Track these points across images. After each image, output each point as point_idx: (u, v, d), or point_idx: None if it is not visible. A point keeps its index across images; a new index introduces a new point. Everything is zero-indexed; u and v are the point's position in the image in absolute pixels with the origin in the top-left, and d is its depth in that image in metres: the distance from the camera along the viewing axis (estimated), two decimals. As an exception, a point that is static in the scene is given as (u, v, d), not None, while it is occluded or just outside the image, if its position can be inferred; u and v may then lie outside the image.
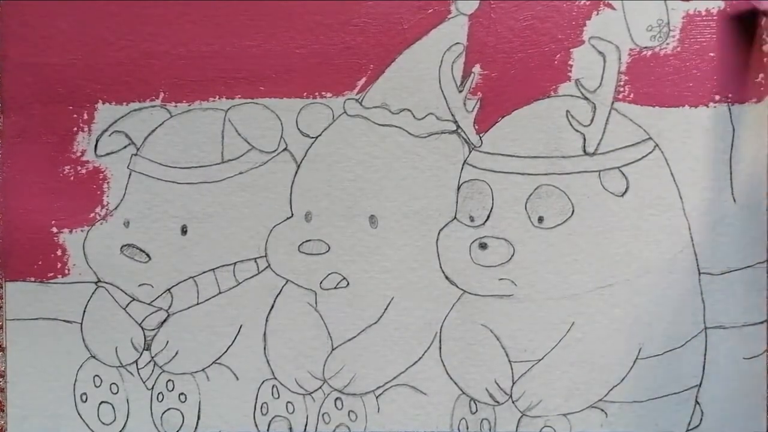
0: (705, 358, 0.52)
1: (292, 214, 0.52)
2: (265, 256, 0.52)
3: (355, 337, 0.52)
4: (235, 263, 0.53)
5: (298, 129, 0.52)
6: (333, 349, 0.53)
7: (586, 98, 0.52)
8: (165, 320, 0.53)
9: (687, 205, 0.52)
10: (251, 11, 0.52)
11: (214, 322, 0.53)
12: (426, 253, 0.52)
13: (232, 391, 0.53)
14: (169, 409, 0.53)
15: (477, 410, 0.52)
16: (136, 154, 0.53)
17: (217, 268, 0.53)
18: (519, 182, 0.52)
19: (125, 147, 0.53)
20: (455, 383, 0.52)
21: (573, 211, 0.52)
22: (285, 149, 0.52)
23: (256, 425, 0.53)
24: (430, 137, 0.52)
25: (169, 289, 0.53)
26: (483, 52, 0.52)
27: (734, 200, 0.52)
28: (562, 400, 0.52)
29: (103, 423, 0.53)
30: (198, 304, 0.53)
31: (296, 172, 0.52)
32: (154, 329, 0.53)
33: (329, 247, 0.52)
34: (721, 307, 0.52)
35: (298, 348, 0.53)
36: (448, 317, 0.52)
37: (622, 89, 0.51)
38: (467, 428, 0.52)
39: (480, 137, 0.52)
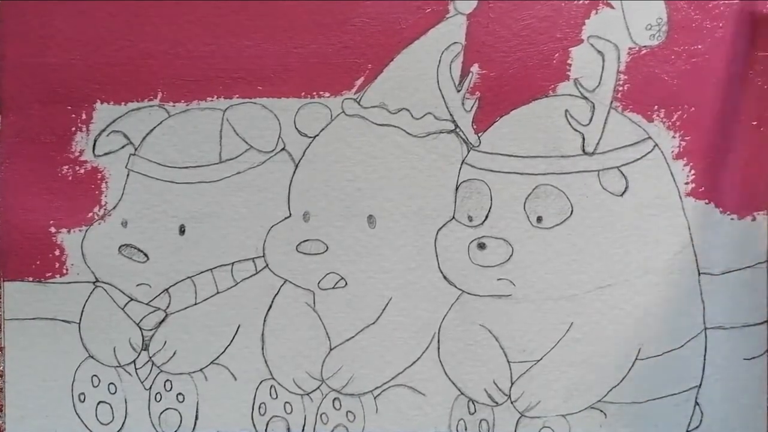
0: (705, 359, 0.52)
1: (290, 214, 0.52)
2: (263, 256, 0.52)
3: (353, 337, 0.52)
4: (233, 263, 0.52)
5: (296, 129, 0.52)
6: (331, 350, 0.52)
7: (585, 97, 0.51)
8: (163, 320, 0.53)
9: (687, 205, 0.52)
10: (249, 11, 0.52)
11: (212, 322, 0.53)
12: (424, 253, 0.52)
13: (230, 391, 0.53)
14: (167, 409, 0.53)
15: (475, 411, 0.52)
16: (134, 154, 0.53)
17: (215, 268, 0.53)
18: (518, 182, 0.52)
19: (123, 147, 0.53)
20: (454, 384, 0.52)
21: (572, 211, 0.52)
22: (283, 149, 0.52)
23: (254, 425, 0.53)
24: (429, 137, 0.52)
25: (167, 289, 0.53)
26: (481, 52, 0.52)
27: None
28: (561, 400, 0.52)
29: (101, 423, 0.53)
30: (196, 304, 0.53)
31: (294, 172, 0.52)
32: (152, 329, 0.53)
33: (327, 247, 0.52)
34: (721, 307, 0.52)
35: (296, 348, 0.52)
36: (446, 317, 0.52)
37: (621, 88, 0.51)
38: (465, 429, 0.52)
39: (478, 137, 0.52)
